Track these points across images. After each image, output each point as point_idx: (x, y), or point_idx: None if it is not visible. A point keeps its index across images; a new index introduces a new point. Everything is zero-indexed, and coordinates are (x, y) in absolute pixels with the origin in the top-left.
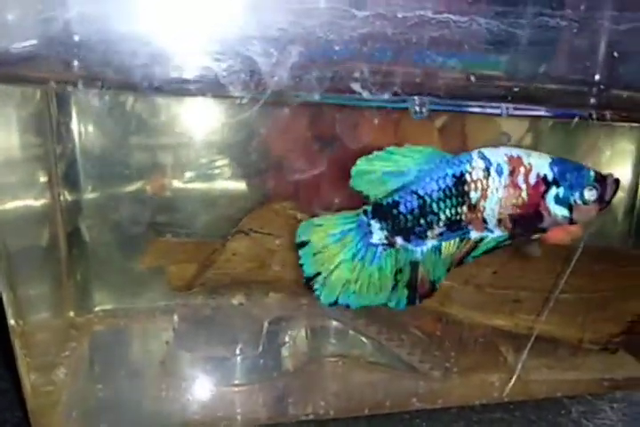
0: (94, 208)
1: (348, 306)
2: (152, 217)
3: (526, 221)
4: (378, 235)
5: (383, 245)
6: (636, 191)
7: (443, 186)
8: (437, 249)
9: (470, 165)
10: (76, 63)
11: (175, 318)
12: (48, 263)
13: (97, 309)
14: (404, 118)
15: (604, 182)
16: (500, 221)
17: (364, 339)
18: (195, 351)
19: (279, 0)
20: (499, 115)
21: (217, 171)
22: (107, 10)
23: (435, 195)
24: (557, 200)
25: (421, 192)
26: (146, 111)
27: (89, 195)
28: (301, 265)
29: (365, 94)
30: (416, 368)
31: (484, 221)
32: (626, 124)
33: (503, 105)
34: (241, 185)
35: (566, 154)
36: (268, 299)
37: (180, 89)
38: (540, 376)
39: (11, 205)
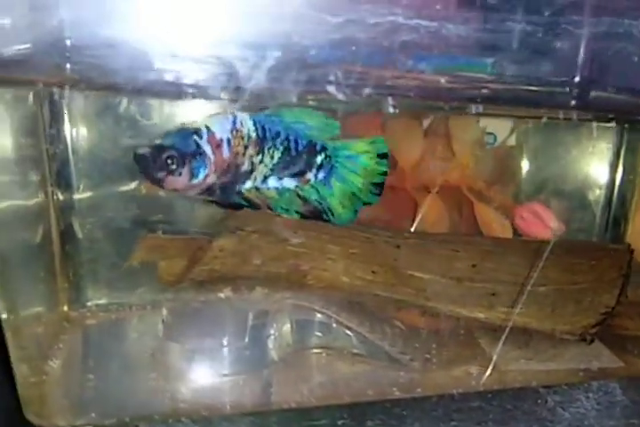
0: (87, 206)
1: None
2: (142, 214)
3: None
4: None
5: None
6: (612, 188)
7: None
8: None
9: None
10: (67, 66)
11: (164, 311)
12: (42, 259)
13: (90, 303)
14: (391, 120)
15: None
16: None
17: (347, 331)
18: (183, 343)
19: (256, 5)
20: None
21: None
22: (95, 14)
23: None
24: None
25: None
26: (136, 111)
27: (81, 193)
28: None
29: (340, 96)
30: (397, 359)
31: None
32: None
33: (472, 105)
34: None
35: (550, 152)
36: (254, 293)
37: (162, 91)
38: (518, 367)
39: (5, 203)
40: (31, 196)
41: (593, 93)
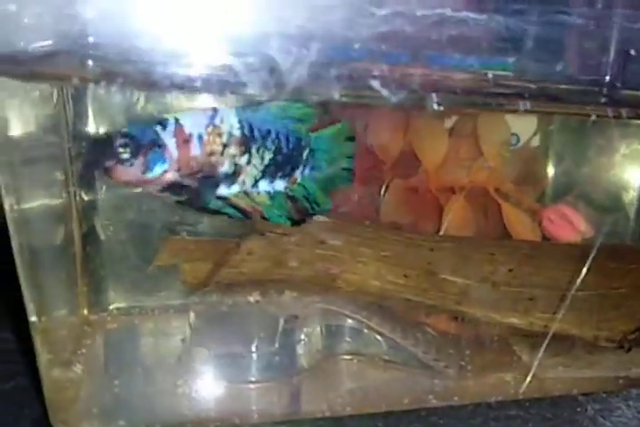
0: (109, 207)
1: None
2: (166, 216)
3: None
4: None
5: None
6: None
7: None
8: None
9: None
10: (92, 62)
11: (191, 315)
12: (64, 261)
13: (111, 307)
14: (415, 119)
15: None
16: None
17: (378, 337)
18: (211, 348)
19: None
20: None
21: None
22: (124, 8)
23: None
24: None
25: None
26: (159, 109)
27: (104, 194)
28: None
29: (385, 92)
30: (431, 366)
31: None
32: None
33: (520, 102)
34: None
35: (578, 153)
36: (283, 297)
37: (200, 87)
38: (556, 374)
39: (30, 204)
40: (54, 196)
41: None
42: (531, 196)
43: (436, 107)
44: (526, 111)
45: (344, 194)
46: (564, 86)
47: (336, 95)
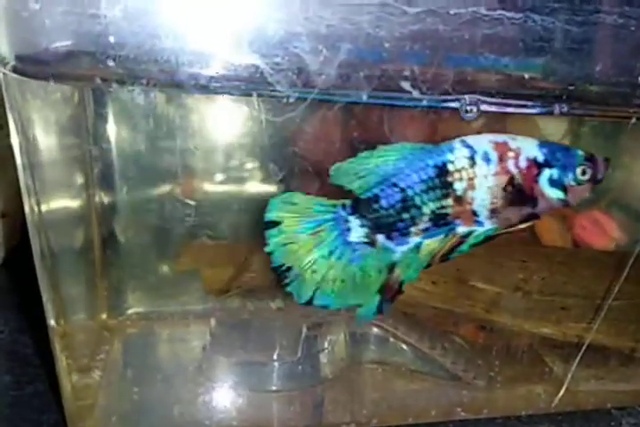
0: (129, 210)
1: (325, 307)
2: (186, 220)
3: (520, 207)
4: (357, 232)
5: (362, 243)
6: None
7: (424, 177)
8: (418, 247)
9: (452, 153)
10: (113, 62)
11: (212, 322)
12: (83, 265)
13: (130, 311)
14: (441, 121)
15: (595, 161)
16: (492, 212)
17: (404, 346)
18: (232, 356)
19: None
20: (551, 113)
21: (247, 173)
22: (147, 8)
23: (417, 187)
24: (552, 182)
25: (402, 185)
26: (180, 113)
27: (124, 197)
28: (270, 253)
29: (416, 93)
30: (459, 377)
31: (475, 213)
32: None
33: (556, 105)
34: (273, 188)
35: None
36: None
37: (226, 87)
38: (589, 387)
39: (51, 206)
40: (75, 198)
41: None
42: None
43: (468, 108)
44: (562, 114)
45: None
46: (597, 88)
47: (364, 96)
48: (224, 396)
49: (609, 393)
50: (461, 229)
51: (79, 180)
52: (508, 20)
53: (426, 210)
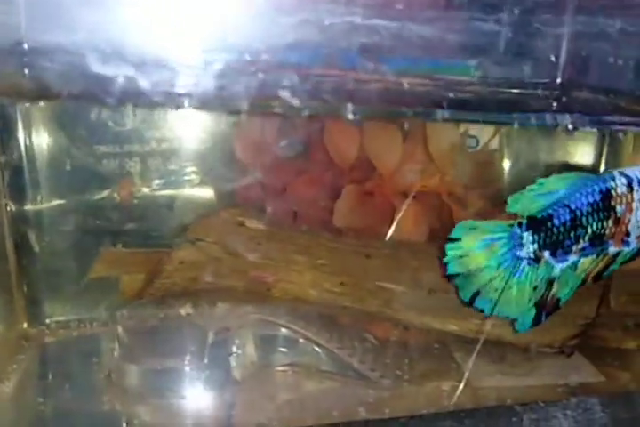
0: (43, 218)
1: (481, 311)
2: (102, 227)
3: None
4: (528, 248)
5: (529, 259)
6: None
7: (591, 200)
8: (575, 265)
9: (614, 181)
10: (25, 71)
11: (119, 329)
12: None
13: (49, 320)
14: (369, 127)
15: None
16: None
17: (315, 347)
18: (141, 363)
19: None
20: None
21: (182, 178)
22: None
23: (585, 209)
24: None
25: (573, 206)
26: (92, 119)
27: (37, 205)
28: (446, 263)
29: (295, 102)
30: (367, 376)
31: (628, 233)
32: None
33: (438, 111)
34: (203, 192)
35: (535, 156)
36: (215, 309)
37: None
38: (493, 382)
39: None
40: None
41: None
42: (485, 199)
43: (351, 116)
44: (445, 120)
45: (300, 199)
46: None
47: (245, 106)
48: (133, 402)
49: (512, 389)
50: (612, 249)
51: None
52: (383, 28)
53: (589, 230)
